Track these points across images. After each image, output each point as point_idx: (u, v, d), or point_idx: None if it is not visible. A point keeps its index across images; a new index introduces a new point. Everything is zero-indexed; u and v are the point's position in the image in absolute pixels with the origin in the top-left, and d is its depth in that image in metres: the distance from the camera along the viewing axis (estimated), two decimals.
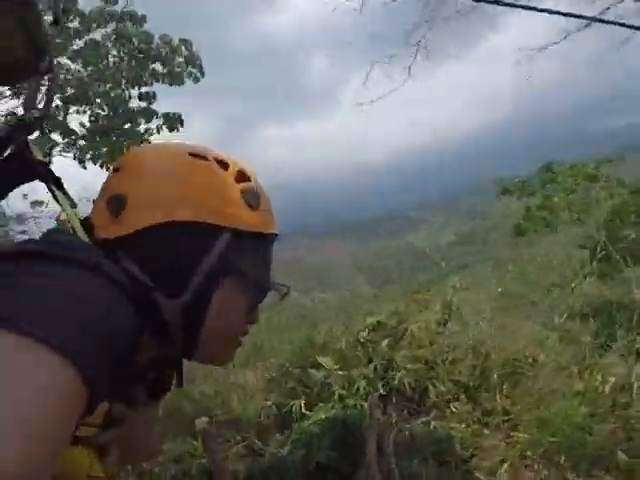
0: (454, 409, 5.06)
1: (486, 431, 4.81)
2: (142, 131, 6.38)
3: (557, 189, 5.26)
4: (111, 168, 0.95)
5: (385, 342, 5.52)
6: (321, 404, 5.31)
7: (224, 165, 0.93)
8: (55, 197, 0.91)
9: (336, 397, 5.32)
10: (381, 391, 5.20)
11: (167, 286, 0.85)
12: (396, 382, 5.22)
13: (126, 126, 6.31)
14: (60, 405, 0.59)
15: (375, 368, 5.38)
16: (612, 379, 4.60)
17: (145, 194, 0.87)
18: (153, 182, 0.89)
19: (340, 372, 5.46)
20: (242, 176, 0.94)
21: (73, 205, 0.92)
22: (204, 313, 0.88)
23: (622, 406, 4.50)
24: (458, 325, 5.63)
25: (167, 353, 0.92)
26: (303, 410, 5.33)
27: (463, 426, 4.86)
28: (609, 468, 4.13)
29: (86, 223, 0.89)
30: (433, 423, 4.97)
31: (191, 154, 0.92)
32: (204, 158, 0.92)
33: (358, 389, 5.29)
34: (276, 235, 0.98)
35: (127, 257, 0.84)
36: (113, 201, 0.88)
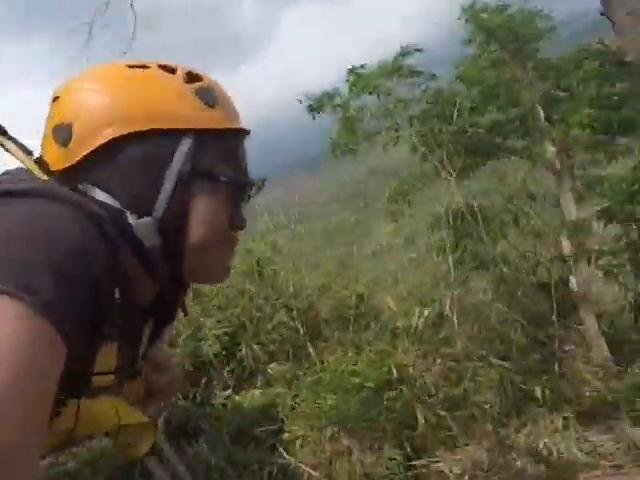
0: (270, 372, 4.24)
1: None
2: None
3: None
4: (50, 98, 0.91)
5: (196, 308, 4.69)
6: None
7: (170, 69, 0.88)
8: (3, 147, 0.87)
9: None
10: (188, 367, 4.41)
11: (136, 205, 0.81)
12: (203, 354, 4.41)
13: None
14: (31, 360, 0.57)
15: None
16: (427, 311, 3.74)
17: (89, 114, 0.83)
18: (95, 100, 0.84)
19: None
20: (192, 76, 0.89)
21: (28, 152, 0.88)
22: (182, 226, 0.83)
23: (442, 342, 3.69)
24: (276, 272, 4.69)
25: (161, 284, 0.88)
26: None
27: (278, 391, 4.05)
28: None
29: (40, 161, 0.86)
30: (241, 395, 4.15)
31: (129, 66, 0.88)
32: (144, 67, 0.88)
33: None
34: (244, 130, 0.92)
35: (88, 184, 0.81)
36: (58, 131, 0.84)
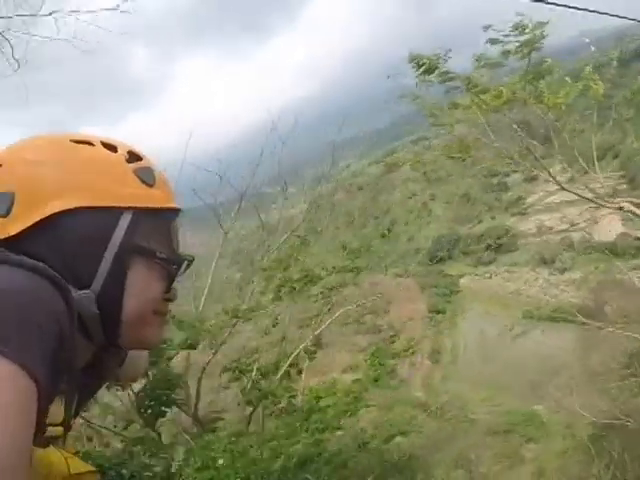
0: None
1: None
2: None
3: None
4: None
5: None
6: None
7: (112, 148, 0.95)
8: None
9: None
10: None
11: (76, 277, 0.86)
12: None
13: None
14: (18, 410, 0.61)
15: None
16: None
17: (32, 187, 0.86)
18: (38, 173, 0.87)
19: None
20: (133, 156, 0.97)
21: None
22: (118, 298, 0.90)
23: None
24: None
25: (97, 350, 0.94)
26: None
27: None
28: None
29: None
30: None
31: (73, 141, 0.93)
32: (88, 143, 0.94)
33: None
34: (178, 209, 1.01)
35: (29, 255, 0.82)
36: (0, 200, 0.86)
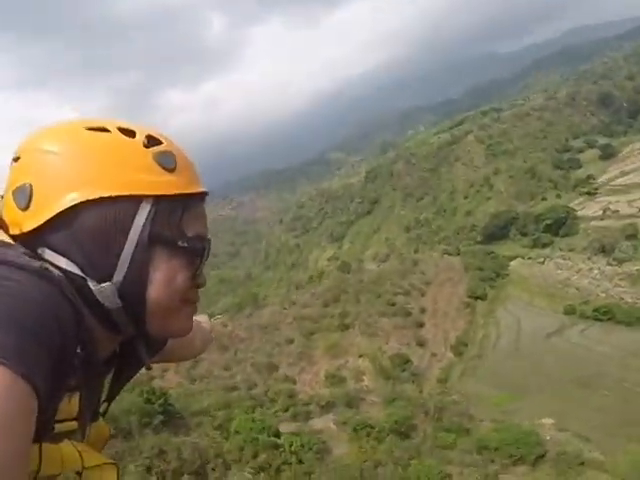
0: None
1: None
2: None
3: None
4: (11, 158, 0.90)
5: None
6: None
7: (130, 133, 0.90)
8: None
9: None
10: None
11: (95, 271, 0.83)
12: None
13: None
14: (18, 418, 0.62)
15: None
16: None
17: (50, 179, 0.84)
18: (55, 165, 0.84)
19: None
20: (152, 140, 0.91)
21: None
22: (142, 290, 0.86)
23: None
24: None
25: (124, 339, 0.92)
26: None
27: None
28: None
29: (0, 222, 0.86)
30: None
31: (89, 128, 0.89)
32: (104, 130, 0.89)
33: None
34: (204, 193, 0.95)
35: (48, 249, 0.82)
36: (18, 193, 0.84)
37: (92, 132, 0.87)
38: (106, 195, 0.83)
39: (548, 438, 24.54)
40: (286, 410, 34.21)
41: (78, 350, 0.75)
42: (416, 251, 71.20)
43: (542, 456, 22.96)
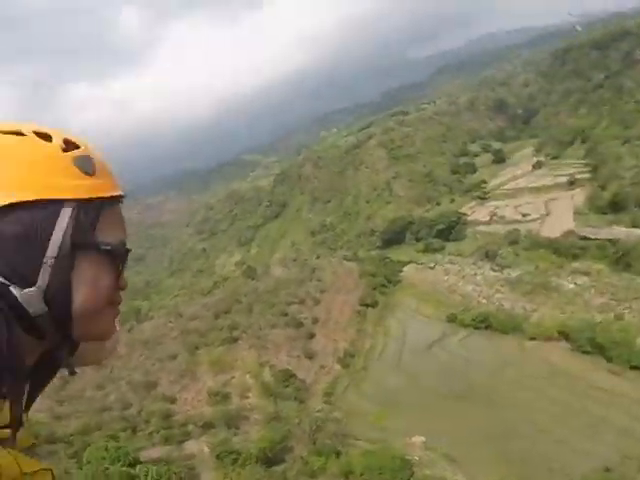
0: None
1: None
2: None
3: None
4: None
5: None
6: None
7: (46, 137, 0.88)
8: None
9: None
10: None
11: (20, 276, 0.82)
12: None
13: None
14: None
15: None
16: None
17: None
18: None
19: None
20: (69, 144, 0.90)
21: None
22: (67, 294, 0.85)
23: None
24: None
25: (50, 345, 0.91)
26: None
27: None
28: None
29: None
30: None
31: (2, 132, 0.86)
32: (18, 133, 0.87)
33: None
34: (122, 196, 0.95)
35: None
36: None
37: (6, 136, 0.85)
38: (25, 200, 0.80)
39: (417, 459, 24.00)
40: (158, 432, 32.09)
41: (5, 356, 0.76)
42: (318, 257, 70.43)
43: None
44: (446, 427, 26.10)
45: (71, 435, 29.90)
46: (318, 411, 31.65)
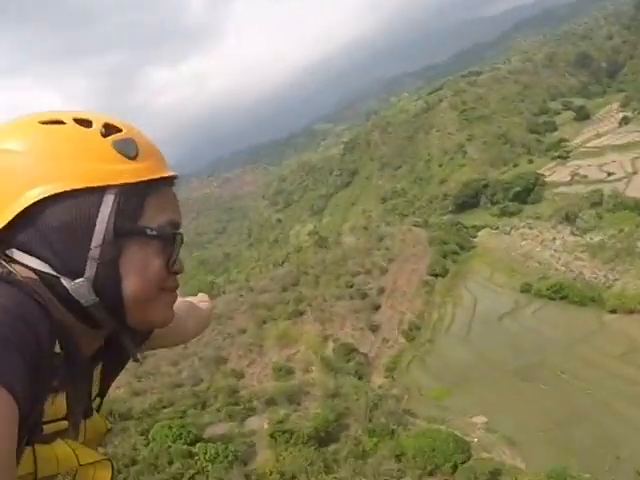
0: None
1: None
2: None
3: None
4: None
5: None
6: None
7: (86, 123, 0.87)
8: None
9: None
10: None
11: (66, 267, 0.82)
12: None
13: None
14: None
15: None
16: None
17: (7, 178, 0.82)
18: (11, 163, 0.82)
19: None
20: (110, 128, 0.88)
21: None
22: (116, 283, 0.84)
23: None
24: None
25: (108, 334, 0.91)
26: None
27: None
28: None
29: None
30: None
31: (43, 122, 0.86)
32: (59, 122, 0.86)
33: None
34: (172, 177, 0.92)
35: (17, 250, 0.81)
36: None
37: (46, 126, 0.84)
38: (66, 189, 0.80)
39: (475, 440, 22.58)
40: (224, 408, 32.55)
41: (57, 350, 0.74)
42: (388, 224, 68.71)
43: (463, 462, 21.02)
44: (511, 407, 24.41)
45: (141, 413, 30.81)
46: (379, 387, 30.70)
